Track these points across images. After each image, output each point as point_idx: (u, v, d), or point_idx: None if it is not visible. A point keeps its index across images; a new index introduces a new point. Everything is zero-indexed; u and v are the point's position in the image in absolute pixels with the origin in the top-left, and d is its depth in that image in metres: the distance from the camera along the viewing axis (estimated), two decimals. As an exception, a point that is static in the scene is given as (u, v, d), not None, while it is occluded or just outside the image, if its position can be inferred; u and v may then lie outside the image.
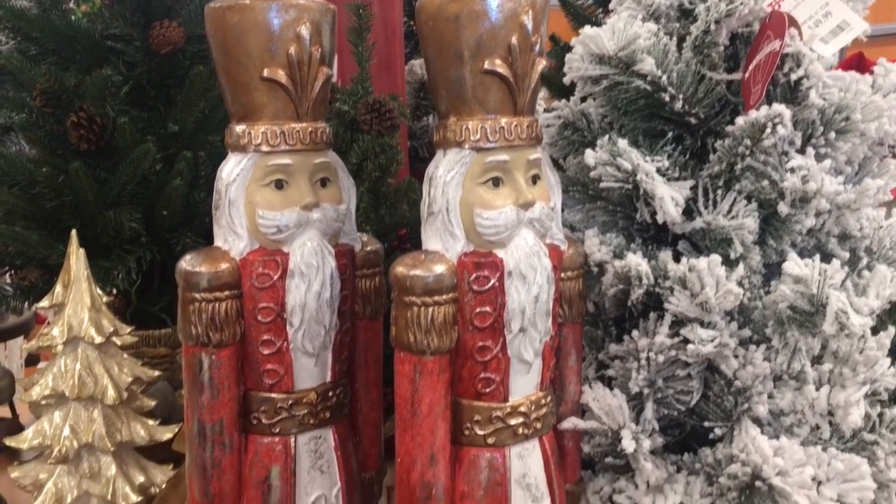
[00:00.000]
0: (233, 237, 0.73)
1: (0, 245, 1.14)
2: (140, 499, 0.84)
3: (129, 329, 0.87)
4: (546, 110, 0.89)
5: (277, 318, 0.73)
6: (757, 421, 0.76)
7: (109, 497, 0.82)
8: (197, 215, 1.14)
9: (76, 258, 0.85)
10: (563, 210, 0.76)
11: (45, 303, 0.98)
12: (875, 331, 0.74)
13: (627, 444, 0.73)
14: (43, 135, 1.11)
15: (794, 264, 0.68)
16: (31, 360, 1.97)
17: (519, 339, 0.70)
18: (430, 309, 0.68)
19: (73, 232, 0.97)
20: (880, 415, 0.82)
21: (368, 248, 0.81)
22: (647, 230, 0.80)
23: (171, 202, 1.10)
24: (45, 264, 1.16)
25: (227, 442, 0.74)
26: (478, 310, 0.69)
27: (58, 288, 0.98)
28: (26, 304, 1.18)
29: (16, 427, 1.44)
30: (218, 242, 0.74)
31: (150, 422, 0.88)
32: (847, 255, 0.76)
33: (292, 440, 0.75)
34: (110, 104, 1.08)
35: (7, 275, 1.24)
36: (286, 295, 0.73)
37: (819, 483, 0.74)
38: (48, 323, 1.01)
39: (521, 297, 0.69)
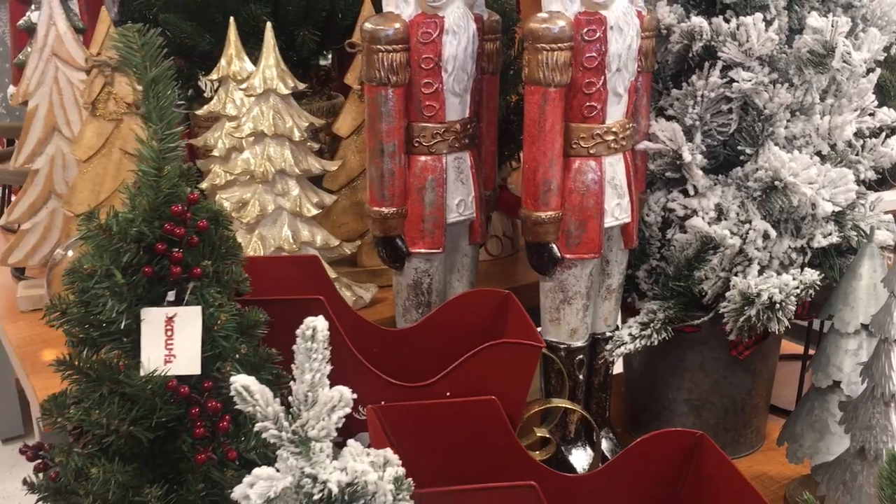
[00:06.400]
0: (403, 4, 0.98)
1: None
2: (318, 212, 1.14)
3: (304, 85, 1.14)
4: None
5: (435, 67, 1.00)
6: (776, 143, 1.05)
7: (297, 209, 1.12)
8: (316, 11, 1.38)
9: (265, 29, 1.10)
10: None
11: (214, 75, 1.24)
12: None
13: (686, 156, 1.02)
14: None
15: (814, 19, 0.95)
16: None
17: (615, 77, 0.98)
18: (555, 53, 0.95)
19: (232, 18, 1.22)
20: (863, 145, 1.12)
21: (492, 18, 1.07)
22: (700, 4, 1.07)
23: (294, -1, 1.33)
24: (189, 54, 1.40)
25: (398, 158, 1.02)
26: (587, 54, 0.96)
27: (222, 62, 1.24)
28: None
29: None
30: (389, 8, 1.00)
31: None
32: (849, 20, 1.03)
33: (443, 158, 1.04)
34: None
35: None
36: (443, 48, 0.99)
37: (819, 188, 1.04)
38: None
39: (618, 45, 0.96)
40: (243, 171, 1.09)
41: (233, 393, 0.58)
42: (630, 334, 1.09)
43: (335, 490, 0.59)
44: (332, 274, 1.15)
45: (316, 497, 0.59)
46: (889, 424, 0.87)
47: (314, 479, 0.59)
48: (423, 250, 1.05)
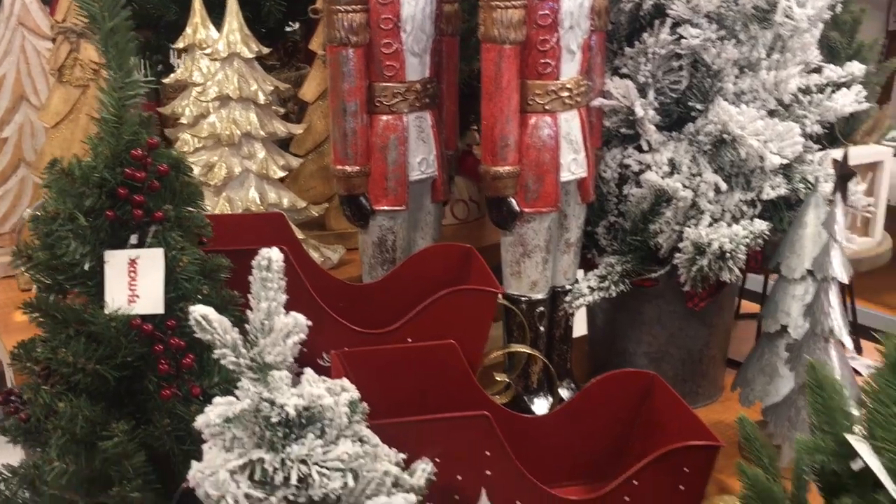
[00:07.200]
0: (361, -35, 1.01)
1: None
2: (284, 174, 1.16)
3: (268, 50, 1.16)
4: None
5: (394, 27, 1.03)
6: (725, 99, 1.09)
7: (263, 171, 1.14)
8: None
9: (227, -5, 1.12)
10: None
11: (180, 44, 1.26)
12: (809, 31, 1.06)
13: (639, 111, 1.06)
14: None
15: (758, -24, 0.99)
16: None
17: (568, 34, 1.01)
18: (510, 11, 0.98)
19: (196, -14, 1.24)
20: (809, 101, 1.16)
21: (450, -19, 1.09)
22: (650, -35, 1.10)
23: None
24: (156, 25, 1.42)
25: (360, 117, 1.05)
26: (540, 12, 0.99)
27: (187, 31, 1.26)
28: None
29: None
30: (348, -30, 1.02)
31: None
32: (794, -22, 1.07)
33: (404, 118, 1.07)
34: None
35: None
36: (401, 9, 1.02)
37: (765, 141, 1.08)
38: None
39: (570, 3, 0.99)
40: (209, 134, 1.12)
41: (192, 322, 0.61)
42: (589, 286, 1.13)
43: (292, 413, 0.62)
44: (300, 235, 1.18)
45: (274, 420, 0.62)
46: (829, 359, 0.92)
47: (272, 403, 0.62)
48: (386, 208, 1.08)
